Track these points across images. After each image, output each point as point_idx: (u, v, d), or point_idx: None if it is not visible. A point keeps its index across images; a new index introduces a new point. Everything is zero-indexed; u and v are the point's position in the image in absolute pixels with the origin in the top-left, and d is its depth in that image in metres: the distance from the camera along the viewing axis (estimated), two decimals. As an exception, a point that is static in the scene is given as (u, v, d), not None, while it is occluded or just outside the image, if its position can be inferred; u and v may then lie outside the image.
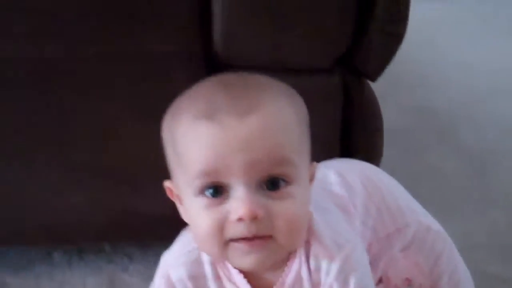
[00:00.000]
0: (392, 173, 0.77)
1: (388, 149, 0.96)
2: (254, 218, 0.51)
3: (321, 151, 0.64)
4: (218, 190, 0.52)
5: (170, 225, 0.91)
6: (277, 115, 0.54)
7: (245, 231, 0.52)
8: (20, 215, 0.87)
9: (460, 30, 2.44)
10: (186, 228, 0.63)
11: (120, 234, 0.95)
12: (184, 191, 0.56)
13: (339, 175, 0.70)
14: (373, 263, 0.66)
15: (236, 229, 0.52)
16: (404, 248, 0.70)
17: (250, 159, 0.51)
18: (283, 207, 0.52)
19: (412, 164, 1.31)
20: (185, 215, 0.59)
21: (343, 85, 0.86)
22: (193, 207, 0.55)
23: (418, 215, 0.73)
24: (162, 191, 0.86)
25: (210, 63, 0.82)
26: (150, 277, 0.91)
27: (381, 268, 0.69)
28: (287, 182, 0.53)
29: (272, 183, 0.52)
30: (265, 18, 0.79)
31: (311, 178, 0.59)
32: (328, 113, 0.86)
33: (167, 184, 0.61)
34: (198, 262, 0.62)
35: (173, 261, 0.64)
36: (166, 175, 0.84)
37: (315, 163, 0.59)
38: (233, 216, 0.51)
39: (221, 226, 0.53)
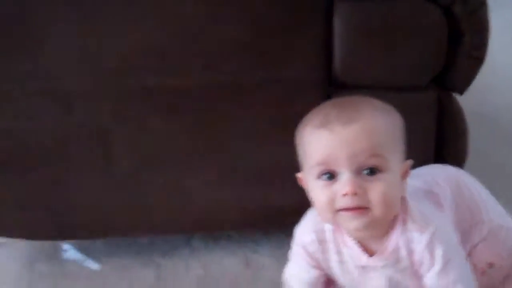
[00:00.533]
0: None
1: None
2: (354, 194, 0.72)
3: (418, 153, 0.83)
4: (330, 175, 0.74)
5: (290, 215, 1.13)
6: (372, 123, 0.74)
7: (348, 202, 0.73)
8: (180, 206, 1.08)
9: None
10: (310, 209, 0.85)
11: (249, 223, 1.16)
12: (309, 177, 0.78)
13: (432, 178, 0.89)
14: None
15: (342, 202, 0.73)
16: (481, 240, 0.87)
17: (350, 153, 0.72)
18: (375, 187, 0.72)
19: (479, 163, 1.46)
20: (310, 194, 0.80)
21: (437, 99, 1.04)
22: (314, 187, 0.77)
23: (492, 214, 0.89)
24: (288, 187, 1.08)
25: (329, 85, 1.02)
26: (278, 256, 1.13)
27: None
28: (380, 171, 0.73)
29: (369, 170, 0.73)
30: (376, 47, 0.98)
31: (405, 173, 0.78)
32: (426, 122, 1.04)
33: (298, 174, 0.83)
34: (322, 231, 0.83)
35: (305, 230, 0.86)
36: (292, 174, 1.06)
37: (409, 160, 0.79)
38: (340, 192, 0.73)
39: (332, 200, 0.74)
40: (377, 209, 0.73)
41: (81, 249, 1.20)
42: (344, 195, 0.72)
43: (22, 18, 0.92)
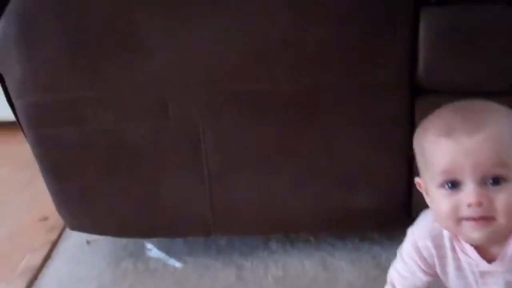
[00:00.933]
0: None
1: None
2: (479, 205, 0.71)
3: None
4: (454, 184, 0.73)
5: (366, 220, 1.15)
6: (497, 132, 0.72)
7: (473, 213, 0.72)
8: (262, 207, 1.12)
9: None
10: (425, 211, 0.85)
11: (326, 226, 1.18)
12: (430, 184, 0.78)
13: None
14: None
15: (466, 211, 0.73)
16: None
17: (475, 163, 0.71)
18: (501, 197, 0.71)
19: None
20: (429, 201, 0.80)
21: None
22: (436, 195, 0.76)
23: None
24: (367, 191, 1.10)
25: (413, 89, 1.04)
26: (354, 259, 1.16)
27: None
28: (505, 180, 0.72)
29: (493, 180, 0.72)
30: (460, 52, 1.00)
31: None
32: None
33: (417, 179, 0.82)
34: (440, 236, 0.82)
35: (421, 233, 0.85)
36: (372, 178, 1.07)
37: None
38: (465, 202, 0.72)
39: (456, 209, 0.73)
40: (502, 219, 0.72)
41: (164, 249, 1.25)
42: (469, 205, 0.72)
43: (130, 28, 0.98)
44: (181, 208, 1.12)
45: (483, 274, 0.82)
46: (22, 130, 1.07)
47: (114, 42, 1.00)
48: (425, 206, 0.83)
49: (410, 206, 1.11)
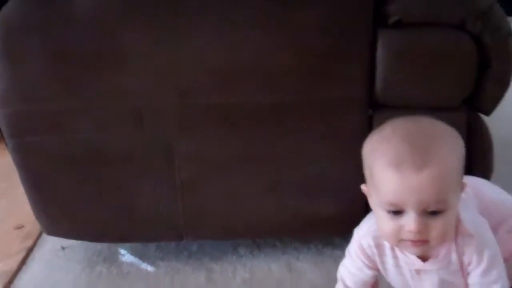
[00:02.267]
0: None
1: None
2: (418, 232, 0.81)
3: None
4: (397, 212, 0.82)
5: (329, 226, 1.23)
6: (442, 169, 0.79)
7: (412, 237, 0.82)
8: (231, 214, 1.19)
9: None
10: (370, 213, 0.94)
11: (292, 231, 1.26)
12: (375, 202, 0.86)
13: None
14: None
15: (406, 235, 0.82)
16: (508, 231, 0.97)
17: (419, 200, 0.79)
18: (436, 225, 0.81)
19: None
20: (372, 205, 0.89)
21: (466, 119, 1.15)
22: (380, 215, 0.85)
23: None
24: (330, 199, 1.18)
25: (371, 104, 1.13)
26: (318, 263, 1.23)
27: None
28: (442, 212, 0.81)
29: (431, 212, 0.81)
30: (414, 71, 1.09)
31: (462, 192, 0.86)
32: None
33: (363, 187, 0.91)
34: (380, 237, 0.92)
35: (364, 233, 0.94)
36: (335, 188, 1.15)
37: (465, 183, 0.86)
38: (406, 229, 0.81)
39: (397, 231, 0.83)
40: (435, 242, 0.83)
41: (137, 254, 1.31)
42: (409, 231, 0.81)
43: (110, 42, 1.05)
44: (154, 215, 1.19)
45: (418, 271, 0.92)
46: (4, 140, 1.12)
47: (93, 55, 1.06)
48: None
49: (368, 213, 1.19)
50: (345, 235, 1.28)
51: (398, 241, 0.85)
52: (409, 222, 0.81)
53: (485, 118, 1.20)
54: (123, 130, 1.10)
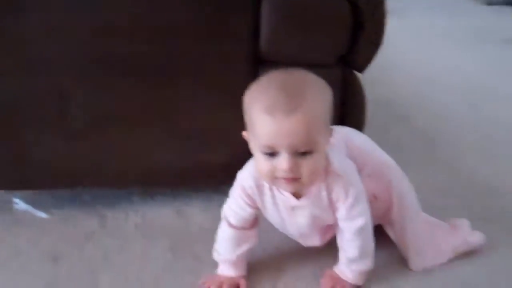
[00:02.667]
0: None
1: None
2: (290, 170, 0.92)
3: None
4: (272, 154, 0.93)
5: (218, 173, 1.31)
6: (310, 114, 0.90)
7: (285, 175, 0.94)
8: (123, 165, 1.24)
9: (415, 39, 2.99)
10: (251, 159, 1.03)
11: (184, 179, 1.33)
12: (253, 144, 0.97)
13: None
14: None
15: (280, 174, 0.94)
16: (369, 175, 1.10)
17: (291, 142, 0.90)
18: (306, 164, 0.93)
19: (379, 140, 1.74)
20: (253, 152, 0.99)
21: (341, 76, 1.27)
22: (258, 156, 0.96)
23: (377, 156, 1.16)
24: (218, 148, 1.26)
25: (257, 60, 1.21)
26: (206, 208, 1.33)
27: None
28: (311, 152, 0.93)
29: (302, 153, 0.92)
30: (296, 28, 1.18)
31: (330, 136, 0.98)
32: (334, 95, 1.26)
33: (244, 133, 1.00)
34: (260, 179, 1.03)
35: (246, 175, 1.05)
36: (223, 137, 1.23)
37: (333, 127, 0.99)
38: (280, 168, 0.93)
39: (272, 170, 0.94)
40: (306, 180, 0.95)
41: (30, 202, 1.33)
42: (283, 170, 0.92)
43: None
44: (48, 163, 1.22)
45: (293, 208, 1.05)
46: None
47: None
48: None
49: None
50: (230, 182, 1.39)
51: (274, 179, 0.96)
52: (282, 161, 0.92)
53: (366, 80, 1.33)
54: (17, 77, 1.12)
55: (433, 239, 1.17)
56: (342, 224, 1.06)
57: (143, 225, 1.27)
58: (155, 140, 1.23)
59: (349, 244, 1.06)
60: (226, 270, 1.10)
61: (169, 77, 1.18)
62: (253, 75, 1.20)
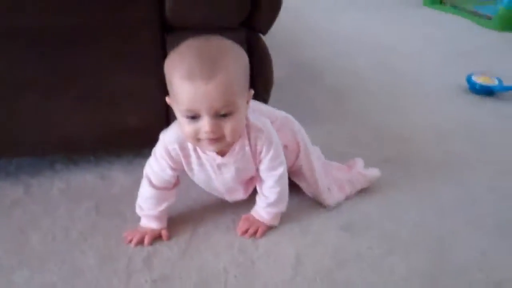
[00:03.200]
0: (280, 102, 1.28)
1: (277, 90, 1.49)
2: (212, 132, 1.00)
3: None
4: (194, 117, 1.00)
5: (136, 137, 1.38)
6: (227, 78, 0.96)
7: (208, 136, 1.01)
8: (42, 133, 1.29)
9: (328, 5, 3.13)
10: (174, 122, 1.11)
11: (104, 144, 1.40)
12: (176, 109, 1.03)
13: None
14: None
15: (204, 135, 1.01)
16: (278, 129, 1.20)
17: (210, 106, 0.97)
18: (228, 125, 1.01)
19: (294, 98, 1.87)
20: (176, 116, 1.05)
21: (246, 38, 1.36)
22: (181, 120, 1.02)
23: (279, 113, 1.26)
24: (134, 112, 1.32)
25: (163, 27, 1.28)
26: (128, 171, 1.40)
27: None
28: (231, 113, 1.00)
29: (222, 114, 1.00)
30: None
31: (249, 100, 1.07)
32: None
33: (167, 99, 1.06)
34: (185, 141, 1.10)
35: (170, 139, 1.12)
36: (137, 101, 1.30)
37: (251, 90, 1.07)
38: (203, 130, 1.00)
39: (196, 132, 1.01)
40: (229, 138, 1.03)
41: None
42: (206, 132, 0.99)
43: None
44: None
45: (219, 166, 1.14)
46: None
47: None
48: None
49: (168, 124, 1.36)
50: (152, 146, 1.47)
51: (198, 140, 1.03)
52: (204, 124, 0.99)
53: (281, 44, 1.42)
54: None
55: (335, 177, 1.32)
56: (264, 174, 1.17)
57: (68, 190, 1.34)
58: (71, 107, 1.28)
59: (270, 190, 1.18)
60: (148, 223, 1.18)
61: (77, 46, 1.22)
62: (161, 42, 1.29)
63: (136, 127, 1.36)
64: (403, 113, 1.84)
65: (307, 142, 1.26)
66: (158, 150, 1.14)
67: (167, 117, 1.36)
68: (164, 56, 1.26)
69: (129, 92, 1.31)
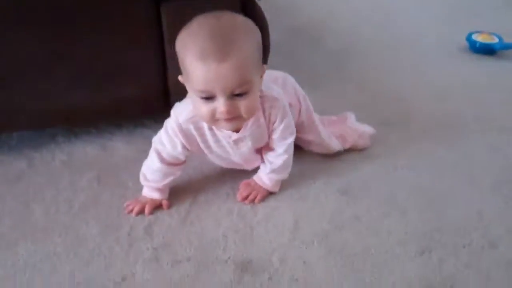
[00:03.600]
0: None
1: (275, 55, 1.48)
2: (228, 112, 0.99)
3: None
4: (209, 98, 0.99)
5: (136, 108, 1.39)
6: (241, 59, 0.94)
7: (225, 116, 1.00)
8: (42, 106, 1.30)
9: None
10: (188, 97, 1.10)
11: (104, 117, 1.42)
12: (190, 89, 1.03)
13: None
14: None
15: (220, 115, 1.00)
16: (282, 87, 1.20)
17: (225, 87, 0.96)
18: (243, 104, 1.00)
19: (294, 61, 1.87)
20: (190, 95, 1.05)
21: (241, 3, 1.35)
22: (196, 100, 1.02)
23: (278, 72, 1.26)
24: (132, 84, 1.33)
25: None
26: (129, 141, 1.41)
27: None
28: (246, 92, 1.00)
29: (237, 94, 0.99)
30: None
31: (262, 74, 1.05)
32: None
33: (180, 78, 1.04)
34: (198, 121, 1.10)
35: (185, 119, 1.10)
36: (132, 73, 1.30)
37: (265, 65, 1.06)
38: (218, 111, 0.99)
39: (212, 113, 1.01)
40: (246, 116, 1.03)
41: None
42: (221, 112, 0.99)
43: None
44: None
45: (236, 141, 1.15)
46: None
47: None
48: (179, 94, 1.11)
49: (167, 94, 1.38)
50: (151, 116, 1.49)
51: (214, 121, 1.03)
52: (220, 105, 0.99)
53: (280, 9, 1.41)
54: None
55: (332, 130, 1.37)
56: (275, 143, 1.18)
57: (70, 161, 1.35)
58: (69, 81, 1.29)
59: (277, 157, 1.20)
60: (150, 193, 1.19)
61: (74, 22, 1.23)
62: (155, 13, 1.28)
63: (135, 98, 1.37)
64: (402, 73, 1.84)
65: (306, 97, 1.29)
66: (171, 127, 1.13)
67: (165, 87, 1.37)
68: (158, 26, 1.29)
69: (126, 64, 1.31)
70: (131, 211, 1.17)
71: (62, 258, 1.05)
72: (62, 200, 1.21)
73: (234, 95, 0.98)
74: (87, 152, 1.39)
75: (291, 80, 1.27)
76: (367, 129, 1.39)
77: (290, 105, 1.21)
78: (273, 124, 1.14)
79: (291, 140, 1.18)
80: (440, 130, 1.48)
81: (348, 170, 1.31)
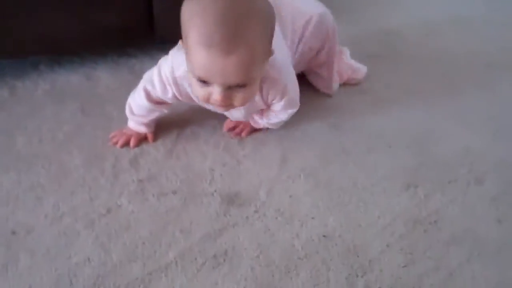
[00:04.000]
0: None
1: None
2: (223, 102, 0.93)
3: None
4: (206, 82, 0.92)
5: (121, 36, 1.35)
6: (251, 50, 0.86)
7: (218, 103, 0.94)
8: (24, 33, 1.26)
9: None
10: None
11: (85, 47, 1.38)
12: (188, 66, 0.94)
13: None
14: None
15: (214, 100, 0.94)
16: (311, 33, 1.19)
17: (224, 80, 0.90)
18: (239, 95, 0.94)
19: None
20: (188, 71, 0.97)
21: None
22: (192, 79, 0.95)
23: (317, 9, 1.22)
24: (118, 11, 1.29)
25: None
26: (113, 71, 1.38)
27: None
28: (244, 85, 0.93)
29: (235, 86, 0.92)
30: None
31: (269, 56, 0.96)
32: None
33: (180, 42, 0.95)
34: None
35: (182, 75, 1.03)
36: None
37: (273, 49, 0.95)
38: (213, 97, 0.94)
39: (207, 95, 0.95)
40: (239, 105, 0.97)
41: None
42: (215, 100, 0.94)
43: None
44: None
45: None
46: None
47: None
48: (164, 24, 1.11)
49: (152, 22, 1.34)
50: (135, 45, 1.45)
51: (208, 102, 0.97)
52: (215, 94, 0.93)
53: None
54: None
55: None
56: (276, 112, 1.14)
57: (53, 91, 1.32)
58: (50, 7, 1.24)
59: (277, 118, 1.16)
60: (136, 126, 1.16)
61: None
62: None
63: (119, 26, 1.33)
64: (391, 5, 1.80)
65: (334, 36, 1.27)
66: (165, 74, 1.06)
67: (150, 15, 1.33)
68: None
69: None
70: (116, 143, 1.15)
71: (46, 189, 1.03)
72: (45, 130, 1.18)
73: (232, 87, 0.93)
74: (70, 82, 1.36)
75: (328, 19, 1.24)
76: (361, 67, 1.38)
77: (310, 48, 1.21)
78: (272, 101, 1.10)
79: (293, 111, 1.14)
80: (429, 65, 1.48)
81: (339, 105, 1.30)
